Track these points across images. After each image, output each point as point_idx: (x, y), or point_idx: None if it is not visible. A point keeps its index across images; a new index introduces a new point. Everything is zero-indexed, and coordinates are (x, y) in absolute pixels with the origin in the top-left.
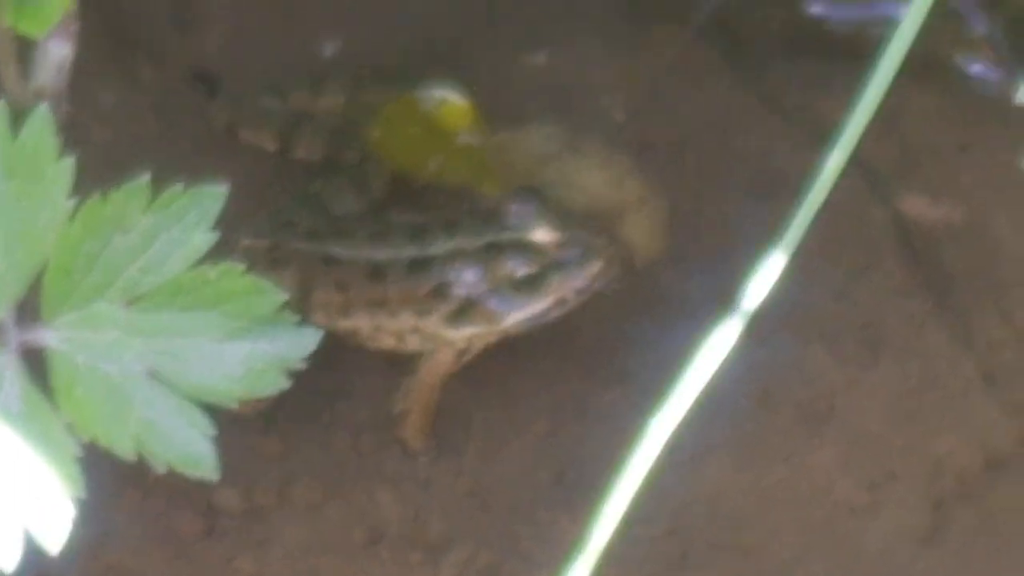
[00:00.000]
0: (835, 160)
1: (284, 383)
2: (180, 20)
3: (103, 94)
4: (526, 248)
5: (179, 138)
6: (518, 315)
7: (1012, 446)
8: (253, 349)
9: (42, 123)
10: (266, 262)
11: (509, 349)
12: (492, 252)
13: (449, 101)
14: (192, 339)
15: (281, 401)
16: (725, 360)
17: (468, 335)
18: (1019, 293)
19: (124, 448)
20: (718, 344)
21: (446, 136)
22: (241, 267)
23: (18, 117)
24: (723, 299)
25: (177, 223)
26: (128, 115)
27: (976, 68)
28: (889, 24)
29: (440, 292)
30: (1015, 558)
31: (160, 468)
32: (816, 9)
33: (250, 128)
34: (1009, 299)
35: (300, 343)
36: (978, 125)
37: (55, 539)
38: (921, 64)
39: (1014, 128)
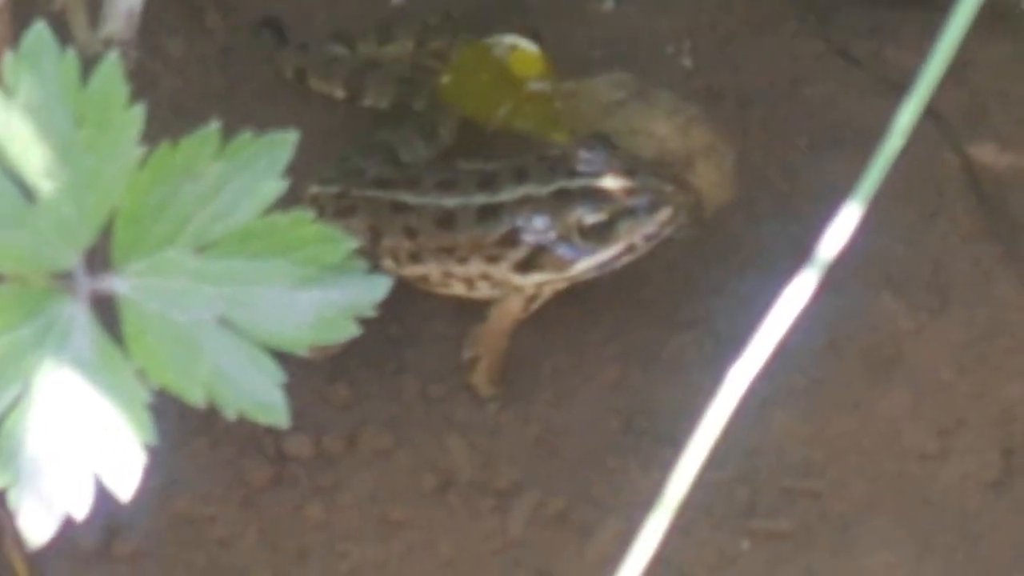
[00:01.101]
0: (910, 110)
1: (354, 330)
2: None
3: (172, 42)
4: (595, 195)
5: (248, 86)
6: (587, 262)
7: None
8: (323, 296)
9: (111, 71)
10: (335, 210)
11: (578, 296)
12: (561, 199)
13: (519, 48)
14: (262, 287)
15: (350, 348)
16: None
17: (537, 282)
18: None
19: (194, 395)
20: (794, 294)
21: (515, 83)
22: (311, 215)
23: (88, 65)
24: (792, 247)
25: (246, 171)
26: (196, 63)
27: None
28: None
29: (509, 239)
30: None
31: (230, 415)
32: None
33: (318, 76)
34: None
35: (370, 290)
36: None
37: (125, 486)
38: (989, 11)
39: None
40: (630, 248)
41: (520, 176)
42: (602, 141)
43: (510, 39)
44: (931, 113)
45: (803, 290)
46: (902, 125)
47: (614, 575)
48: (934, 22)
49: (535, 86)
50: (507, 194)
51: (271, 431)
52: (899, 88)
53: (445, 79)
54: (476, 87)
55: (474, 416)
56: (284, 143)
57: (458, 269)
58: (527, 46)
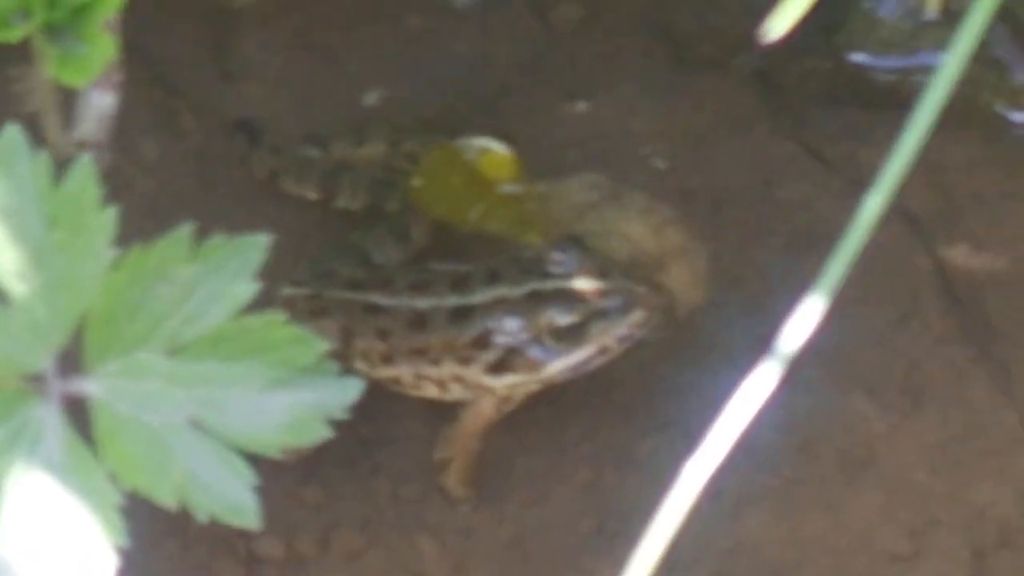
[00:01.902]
0: (873, 205)
1: (326, 432)
2: (223, 71)
3: (146, 144)
4: (568, 297)
5: (221, 188)
6: (560, 364)
7: None
8: (295, 399)
9: (85, 173)
10: (308, 311)
11: (551, 398)
12: (534, 301)
13: (490, 150)
14: (234, 389)
15: (323, 450)
16: (767, 408)
17: (510, 384)
18: None
19: (166, 498)
20: (755, 389)
21: (487, 185)
22: (283, 317)
23: (61, 167)
24: (765, 347)
25: (219, 273)
26: (171, 165)
27: (1019, 117)
28: (931, 73)
29: (482, 341)
30: None
31: (202, 517)
32: (858, 58)
33: (291, 178)
34: None
35: (342, 392)
36: (1021, 173)
37: None
38: (964, 113)
39: None
40: (603, 350)
41: (493, 278)
42: (575, 243)
43: (481, 141)
44: (905, 214)
45: (763, 385)
46: (865, 220)
47: None
48: (905, 124)
49: (507, 188)
50: (480, 296)
51: (243, 533)
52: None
53: (417, 181)
54: (448, 190)
55: (447, 517)
56: (256, 246)
57: (430, 371)
58: (498, 148)
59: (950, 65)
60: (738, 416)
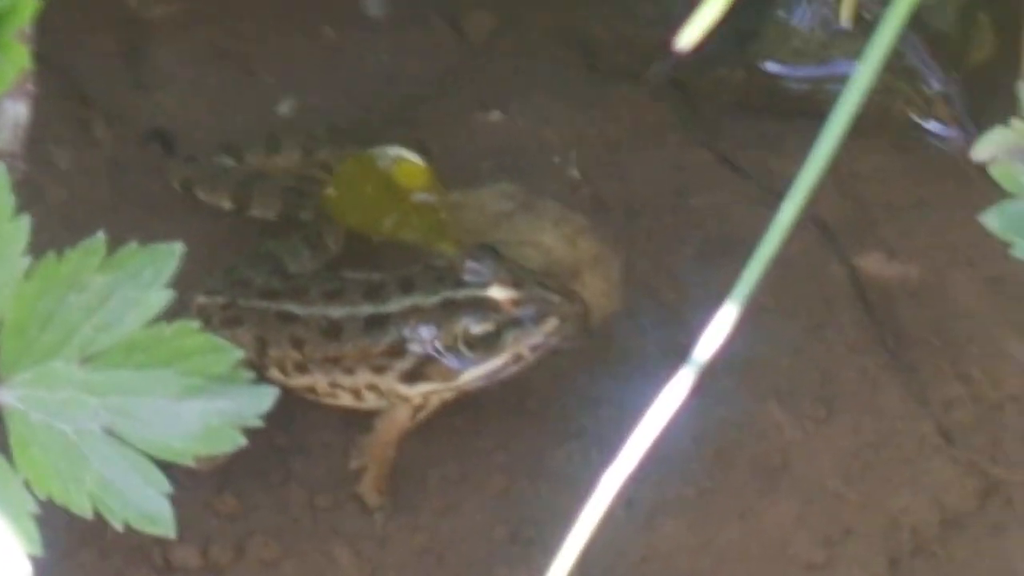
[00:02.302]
0: (787, 214)
1: (241, 440)
2: (136, 80)
3: (59, 154)
4: (482, 305)
5: (135, 197)
6: (474, 372)
7: (967, 503)
8: (209, 407)
9: None
10: (221, 320)
11: (466, 406)
12: (448, 310)
13: (404, 160)
14: (148, 397)
15: (237, 459)
16: (681, 417)
17: (424, 392)
18: (974, 351)
19: (81, 506)
20: (669, 398)
21: (401, 194)
22: (196, 325)
23: None
24: (679, 356)
25: (132, 282)
26: (84, 175)
27: (932, 126)
28: (844, 82)
29: (396, 349)
30: None
31: (117, 525)
32: (771, 67)
33: (205, 187)
34: (964, 357)
35: (256, 401)
36: (933, 182)
37: None
38: (878, 122)
39: (969, 185)
40: (517, 358)
41: (406, 287)
42: (489, 252)
43: (395, 151)
44: (818, 223)
45: (677, 394)
46: (779, 228)
47: None
48: (819, 133)
49: (421, 197)
50: (394, 304)
51: (159, 541)
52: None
53: (331, 191)
54: (362, 198)
55: (361, 526)
56: (170, 254)
57: (345, 379)
58: (412, 158)
59: (863, 74)
60: (653, 425)
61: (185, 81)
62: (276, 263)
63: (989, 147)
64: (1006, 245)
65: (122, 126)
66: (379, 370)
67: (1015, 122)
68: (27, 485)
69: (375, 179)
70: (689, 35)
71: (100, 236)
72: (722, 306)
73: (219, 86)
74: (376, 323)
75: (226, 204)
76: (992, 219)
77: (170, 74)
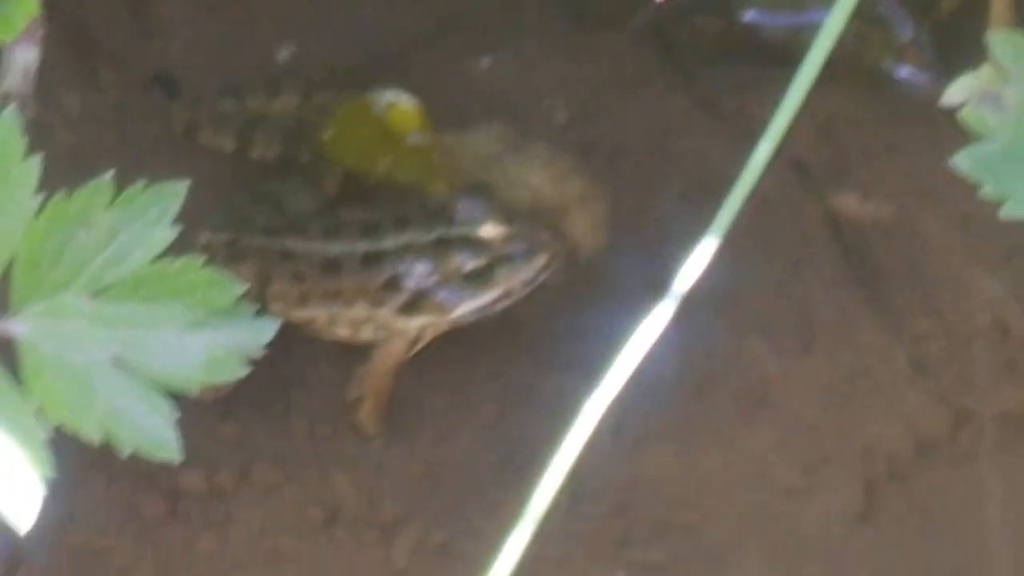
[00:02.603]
0: (762, 151)
1: (243, 371)
2: (142, 27)
3: (68, 97)
4: (474, 243)
5: (141, 139)
6: (467, 306)
7: (939, 432)
8: (213, 338)
9: (9, 124)
10: (225, 256)
11: (459, 338)
12: (442, 247)
13: (398, 104)
14: (154, 329)
15: (240, 388)
16: (665, 351)
17: (419, 325)
18: (945, 287)
19: (90, 433)
20: (650, 328)
21: (396, 137)
22: (201, 260)
23: None
24: (660, 289)
25: (139, 219)
26: (92, 118)
27: (904, 72)
28: (817, 30)
29: (392, 284)
30: (942, 537)
31: (125, 452)
32: (749, 16)
33: (208, 130)
34: (935, 293)
35: (258, 332)
36: (905, 127)
37: (25, 518)
38: (851, 69)
39: (939, 129)
40: (508, 293)
41: (402, 225)
42: (480, 192)
43: (390, 95)
44: (796, 165)
45: (657, 322)
46: (755, 165)
47: None
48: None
49: (414, 140)
50: (390, 242)
51: (165, 467)
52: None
53: (328, 133)
54: (357, 141)
55: (359, 453)
56: (175, 192)
57: (344, 313)
58: (406, 102)
59: (833, 22)
60: (634, 353)
61: (188, 29)
62: (276, 202)
63: (959, 92)
64: (974, 186)
65: (128, 71)
66: (376, 304)
67: (983, 68)
68: (40, 413)
69: (371, 123)
70: None
71: (108, 176)
72: (701, 240)
73: (220, 34)
74: (373, 259)
75: (228, 146)
76: (961, 161)
77: (174, 22)
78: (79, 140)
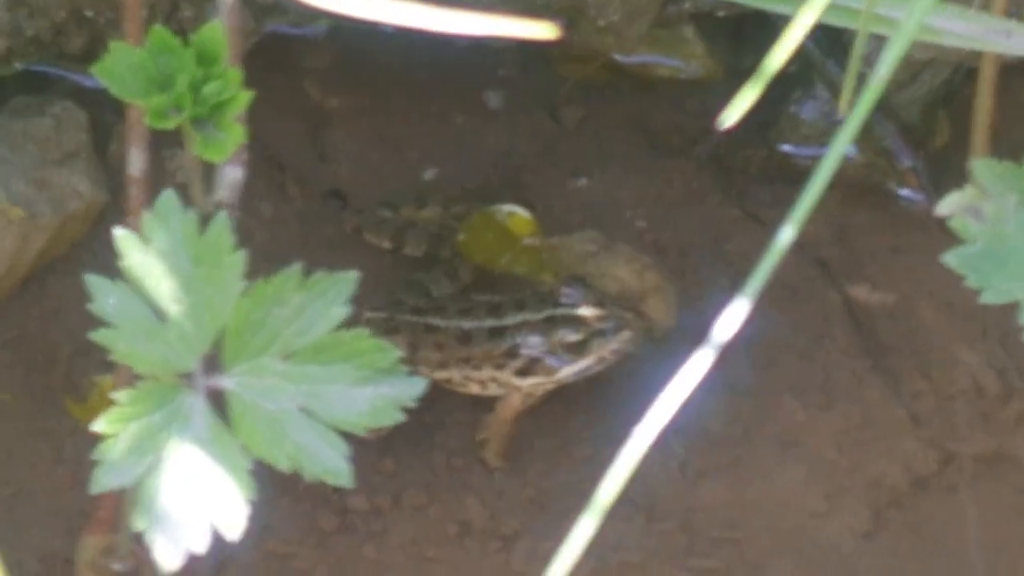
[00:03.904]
0: (784, 238)
1: (399, 417)
2: (319, 153)
3: (263, 206)
4: (574, 321)
5: (319, 239)
6: (569, 370)
7: (930, 469)
8: (376, 392)
9: (221, 226)
10: (384, 329)
11: (562, 394)
12: (550, 323)
13: (515, 214)
14: (331, 384)
15: (396, 430)
16: (718, 405)
17: (532, 384)
18: (935, 357)
19: (281, 464)
20: (687, 375)
21: (514, 240)
22: (366, 332)
23: (204, 221)
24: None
25: (320, 299)
26: (281, 222)
27: (904, 191)
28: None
29: (512, 352)
30: (931, 551)
31: (308, 478)
32: (786, 147)
33: (371, 232)
34: (929, 361)
35: (411, 388)
36: (906, 233)
37: (233, 529)
38: (863, 189)
39: (933, 235)
40: (600, 360)
41: (519, 306)
42: (579, 281)
43: (509, 207)
44: (819, 262)
45: (697, 370)
46: (776, 249)
47: None
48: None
49: (528, 242)
50: (510, 319)
51: (338, 490)
52: (796, 245)
53: (462, 236)
54: (485, 242)
55: (485, 482)
56: (347, 280)
57: (474, 374)
58: (522, 212)
59: (836, 148)
60: (671, 398)
61: (355, 154)
62: (423, 289)
63: (948, 206)
64: (960, 278)
65: (309, 187)
66: (499, 367)
67: (967, 188)
68: (244, 449)
69: (495, 228)
70: (728, 117)
71: (296, 267)
72: (736, 300)
73: (380, 158)
74: (497, 333)
75: (386, 245)
76: (950, 259)
77: (344, 149)
78: (273, 239)
